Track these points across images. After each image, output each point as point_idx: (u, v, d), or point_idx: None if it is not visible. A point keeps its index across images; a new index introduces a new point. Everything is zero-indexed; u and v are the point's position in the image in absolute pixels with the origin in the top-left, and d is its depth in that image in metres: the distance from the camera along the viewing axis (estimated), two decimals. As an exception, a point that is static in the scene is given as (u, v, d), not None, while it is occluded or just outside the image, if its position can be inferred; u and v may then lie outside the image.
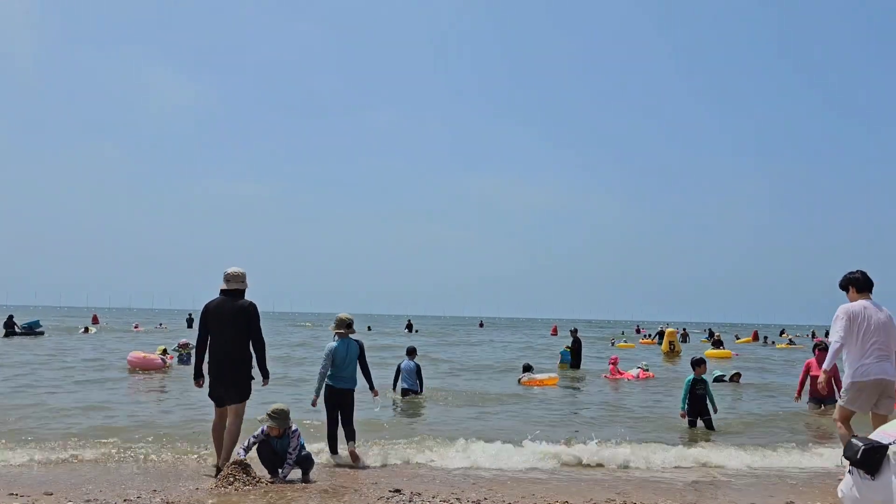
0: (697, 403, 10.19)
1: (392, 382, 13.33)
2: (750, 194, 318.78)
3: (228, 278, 6.75)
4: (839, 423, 6.51)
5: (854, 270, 6.58)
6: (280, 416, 6.61)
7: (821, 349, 11.54)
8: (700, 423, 10.19)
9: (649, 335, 49.10)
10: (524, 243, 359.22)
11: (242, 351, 6.64)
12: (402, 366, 13.35)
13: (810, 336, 61.01)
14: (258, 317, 6.74)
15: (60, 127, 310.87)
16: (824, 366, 6.61)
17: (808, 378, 11.27)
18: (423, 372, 13.68)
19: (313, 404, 7.63)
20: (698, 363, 10.39)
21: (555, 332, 58.69)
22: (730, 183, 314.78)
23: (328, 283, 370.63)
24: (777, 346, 43.40)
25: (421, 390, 13.37)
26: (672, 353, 30.33)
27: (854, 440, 5.02)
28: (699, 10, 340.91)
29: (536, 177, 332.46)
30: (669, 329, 33.20)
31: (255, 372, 6.85)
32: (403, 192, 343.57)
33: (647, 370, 19.03)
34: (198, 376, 6.82)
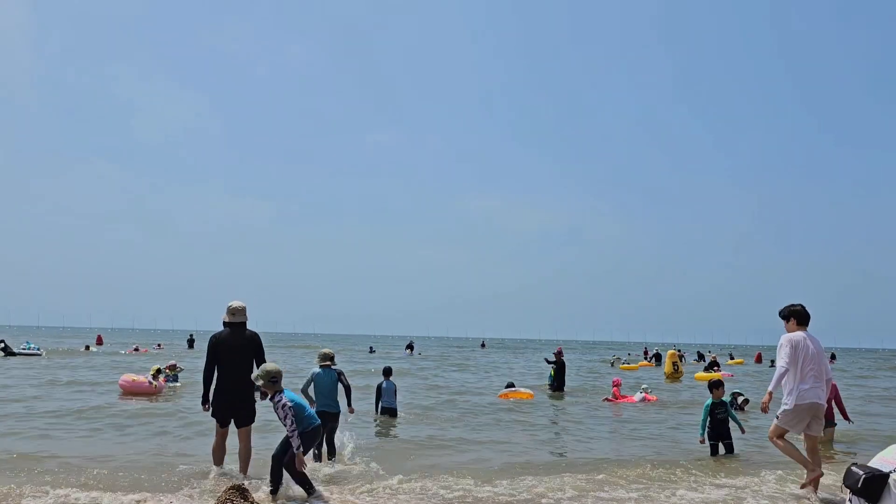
0: (718, 427, 9.85)
1: (374, 403, 13.62)
2: (752, 215, 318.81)
3: (233, 311, 7.46)
4: (775, 440, 7.27)
5: (796, 304, 7.32)
6: (262, 375, 6.66)
7: None
8: (721, 447, 9.85)
9: (649, 357, 48.70)
10: (526, 264, 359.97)
11: (250, 376, 7.29)
12: (383, 386, 13.71)
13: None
14: (262, 344, 7.52)
15: (59, 146, 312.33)
16: (770, 387, 7.12)
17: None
18: (421, 395, 13.76)
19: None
20: (717, 385, 10.02)
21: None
22: (729, 204, 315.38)
23: (330, 304, 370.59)
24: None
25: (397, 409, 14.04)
26: (675, 374, 29.93)
27: (854, 468, 5.14)
28: (700, 33, 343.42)
29: (537, 197, 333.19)
30: (671, 350, 32.83)
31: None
32: (403, 213, 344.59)
33: (650, 393, 18.82)
34: (205, 401, 7.46)
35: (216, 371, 7.37)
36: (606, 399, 18.58)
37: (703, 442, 9.88)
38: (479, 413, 15.17)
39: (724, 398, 10.07)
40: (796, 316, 7.25)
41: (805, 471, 7.29)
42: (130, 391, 17.11)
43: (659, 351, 48.82)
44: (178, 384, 18.99)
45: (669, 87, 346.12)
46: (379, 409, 13.51)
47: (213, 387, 7.41)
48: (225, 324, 7.50)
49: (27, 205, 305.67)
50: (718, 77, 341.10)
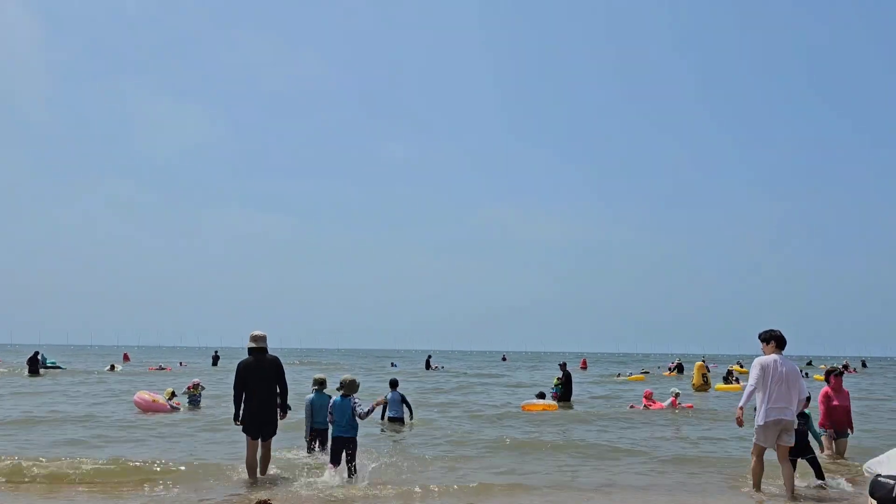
0: (799, 441, 8.44)
1: (381, 412, 14.37)
2: (781, 221, 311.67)
3: (256, 339, 8.59)
4: (753, 456, 8.12)
5: (775, 329, 8.05)
6: (345, 385, 8.63)
7: (836, 375, 11.27)
8: (801, 464, 8.73)
9: (670, 368, 48.05)
10: (546, 274, 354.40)
11: (275, 396, 8.55)
12: (389, 397, 14.50)
13: (843, 367, 59.28)
14: (283, 368, 8.67)
15: (73, 164, 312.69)
16: (740, 402, 7.93)
17: (828, 408, 10.97)
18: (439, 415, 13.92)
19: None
20: None
21: (584, 366, 57.82)
22: (757, 209, 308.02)
23: (349, 317, 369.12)
24: (815, 378, 42.05)
25: (412, 416, 14.95)
26: (704, 385, 29.30)
27: (882, 479, 5.13)
28: (722, 32, 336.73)
29: (555, 206, 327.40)
30: (699, 362, 32.13)
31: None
32: (419, 224, 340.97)
33: (678, 397, 18.45)
34: (237, 418, 8.56)
35: (244, 392, 8.49)
36: (633, 406, 18.54)
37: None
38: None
39: (804, 410, 8.76)
40: (776, 340, 7.99)
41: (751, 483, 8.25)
42: (146, 409, 17.05)
43: (681, 361, 48.22)
44: (199, 408, 17.85)
45: (692, 90, 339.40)
46: (385, 418, 14.52)
47: (242, 406, 8.50)
48: (249, 350, 8.58)
49: (50, 224, 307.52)
50: (742, 78, 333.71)
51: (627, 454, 11.39)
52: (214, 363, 50.10)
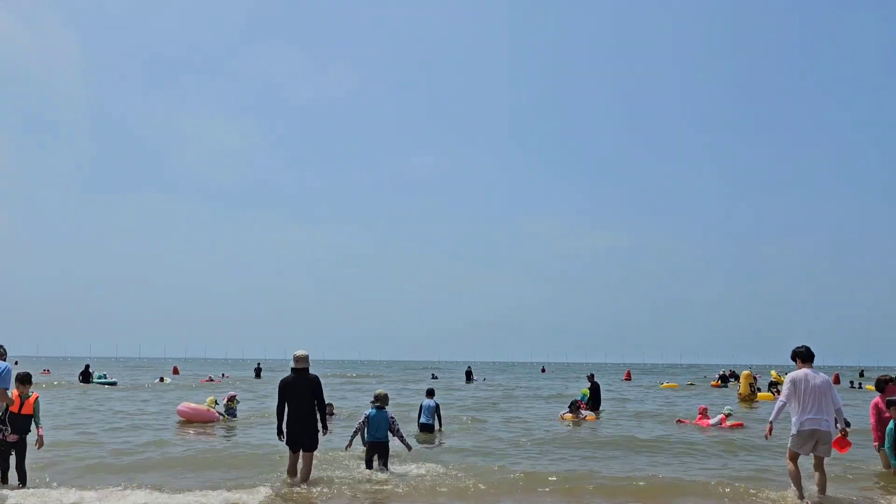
0: None
1: (416, 419, 15.29)
2: (823, 229, 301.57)
3: (298, 359, 9.25)
4: (788, 460, 8.52)
5: (800, 346, 8.62)
6: (380, 399, 10.21)
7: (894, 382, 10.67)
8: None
9: (718, 377, 46.91)
10: (584, 285, 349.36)
11: (314, 411, 9.16)
12: (423, 405, 15.38)
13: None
14: (321, 386, 9.25)
15: (114, 178, 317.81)
16: (771, 417, 8.38)
17: (878, 420, 10.38)
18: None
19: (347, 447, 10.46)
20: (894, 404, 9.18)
21: (628, 377, 56.91)
22: (799, 220, 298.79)
23: (387, 328, 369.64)
24: (866, 388, 40.59)
25: (441, 426, 15.43)
26: (751, 396, 28.44)
27: None
28: (762, 39, 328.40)
29: (590, 218, 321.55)
30: (746, 371, 31.23)
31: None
32: (453, 237, 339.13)
33: (729, 415, 17.71)
34: (279, 432, 9.18)
35: (286, 408, 9.13)
36: (680, 420, 18.27)
37: None
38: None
39: None
40: (800, 356, 8.61)
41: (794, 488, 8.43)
42: (190, 418, 17.46)
43: (725, 372, 47.16)
44: (235, 419, 18.10)
45: (727, 98, 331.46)
46: (418, 426, 15.10)
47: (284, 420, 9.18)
48: (292, 369, 9.24)
49: (95, 238, 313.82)
50: (783, 86, 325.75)
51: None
52: (257, 375, 50.40)
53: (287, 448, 9.35)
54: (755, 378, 30.93)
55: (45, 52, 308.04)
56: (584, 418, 18.54)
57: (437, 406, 15.46)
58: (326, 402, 10.88)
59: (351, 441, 10.24)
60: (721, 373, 46.65)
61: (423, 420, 15.10)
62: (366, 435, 10.20)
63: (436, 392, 16.58)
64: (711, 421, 17.44)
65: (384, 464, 10.11)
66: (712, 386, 43.18)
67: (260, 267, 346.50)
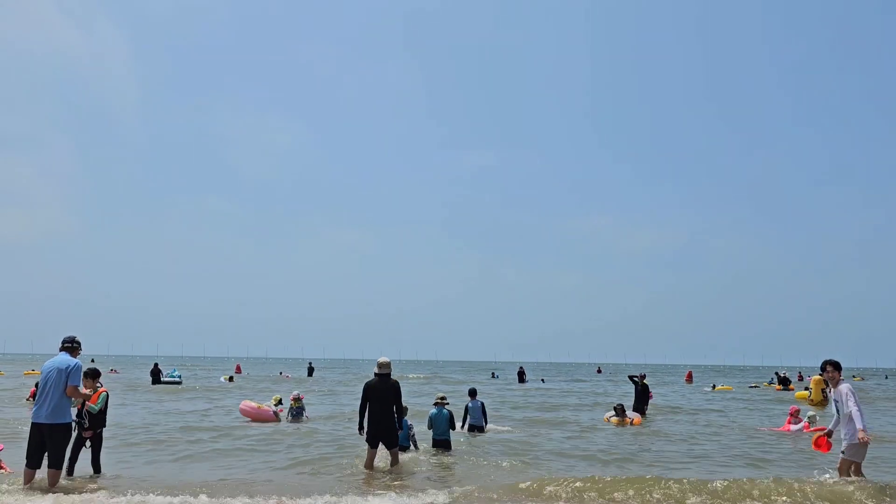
0: None
1: (461, 420, 15.13)
2: (879, 226, 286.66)
3: (382, 366, 10.38)
4: (842, 473, 8.72)
5: (833, 360, 8.92)
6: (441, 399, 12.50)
7: None
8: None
9: (778, 380, 45.76)
10: (639, 284, 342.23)
11: (392, 413, 10.20)
12: (469, 406, 15.58)
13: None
14: (400, 390, 10.36)
15: (166, 181, 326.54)
16: (860, 424, 8.36)
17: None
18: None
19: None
20: None
21: (689, 379, 55.77)
22: (855, 215, 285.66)
23: (443, 330, 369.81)
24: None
25: (486, 424, 15.70)
26: (824, 402, 26.84)
27: None
28: (811, 31, 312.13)
29: (646, 216, 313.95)
30: (816, 377, 29.99)
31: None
32: (508, 237, 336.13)
33: (812, 421, 16.91)
34: (360, 429, 10.28)
35: (368, 408, 10.21)
36: (766, 428, 17.54)
37: None
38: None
39: None
40: (839, 368, 8.96)
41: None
42: (252, 417, 17.97)
43: (786, 374, 45.95)
44: (303, 418, 18.07)
45: (784, 89, 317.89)
46: (466, 427, 15.21)
47: (365, 419, 10.21)
48: (375, 373, 10.39)
49: (156, 241, 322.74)
50: (838, 78, 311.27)
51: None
52: (310, 374, 51.26)
53: (367, 444, 10.35)
54: (827, 383, 29.82)
55: (97, 53, 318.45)
56: (631, 421, 18.18)
57: (483, 406, 15.76)
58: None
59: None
60: (781, 374, 45.47)
61: (472, 421, 15.34)
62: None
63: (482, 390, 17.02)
64: (794, 427, 16.66)
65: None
66: (775, 389, 42.19)
67: (311, 268, 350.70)
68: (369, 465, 10.31)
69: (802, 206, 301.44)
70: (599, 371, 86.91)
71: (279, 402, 18.91)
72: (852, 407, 8.40)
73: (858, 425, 8.30)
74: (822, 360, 9.01)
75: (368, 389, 10.31)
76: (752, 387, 46.46)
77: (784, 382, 43.20)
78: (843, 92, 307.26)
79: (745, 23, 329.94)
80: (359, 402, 10.48)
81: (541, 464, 11.54)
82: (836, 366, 8.92)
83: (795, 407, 17.81)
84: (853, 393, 8.55)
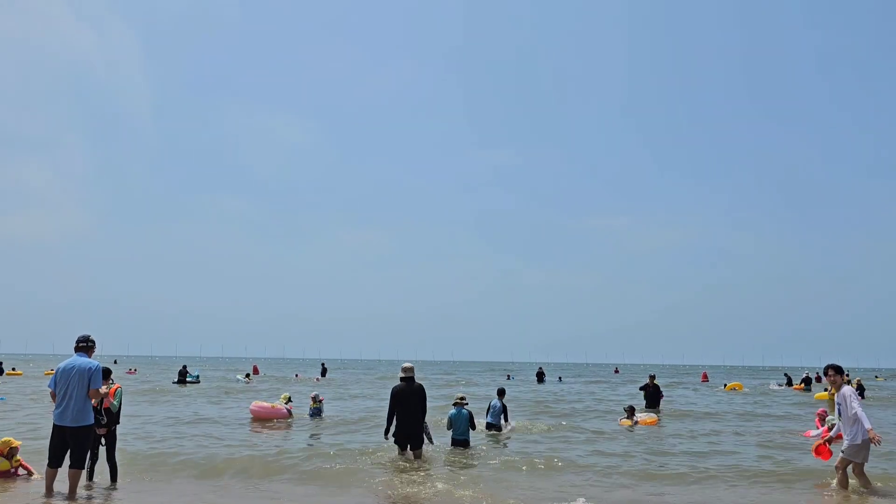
0: None
1: (485, 413, 15.98)
2: None
3: (406, 370, 10.81)
4: (841, 471, 9.02)
5: (834, 364, 9.30)
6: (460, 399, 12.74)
7: None
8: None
9: (801, 381, 45.21)
10: (664, 286, 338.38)
11: (419, 415, 10.64)
12: (492, 404, 16.14)
13: None
14: (425, 394, 10.85)
15: (180, 182, 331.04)
16: (867, 424, 8.61)
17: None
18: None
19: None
20: None
21: (705, 379, 55.56)
22: (885, 211, 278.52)
23: (460, 330, 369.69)
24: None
25: (506, 423, 16.08)
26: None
27: None
28: (849, 11, 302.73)
29: (670, 214, 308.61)
30: (858, 378, 29.36)
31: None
32: (526, 236, 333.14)
33: (833, 426, 15.96)
34: (387, 433, 10.79)
35: (395, 412, 10.59)
36: (807, 433, 16.25)
37: None
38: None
39: None
40: (841, 372, 9.35)
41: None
42: (263, 416, 18.12)
43: (809, 374, 45.38)
44: (321, 418, 18.33)
45: (819, 71, 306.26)
46: (485, 425, 15.71)
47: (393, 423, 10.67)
48: (401, 378, 10.74)
49: (170, 243, 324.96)
50: (877, 60, 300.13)
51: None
52: (323, 374, 51.08)
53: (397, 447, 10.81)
54: (862, 386, 29.35)
55: (110, 54, 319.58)
56: (635, 422, 18.03)
57: (505, 406, 16.21)
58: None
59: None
60: (805, 375, 44.90)
61: (490, 420, 15.86)
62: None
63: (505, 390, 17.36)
64: (813, 433, 15.68)
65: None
66: (795, 389, 41.75)
67: (323, 268, 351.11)
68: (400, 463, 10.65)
69: (842, 200, 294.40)
70: (617, 371, 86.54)
71: (289, 399, 19.19)
72: (857, 408, 8.68)
73: (867, 425, 8.57)
74: (825, 365, 9.39)
75: (397, 394, 10.64)
76: (778, 385, 45.95)
77: (807, 383, 42.69)
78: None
79: (786, 7, 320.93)
80: (384, 406, 11.17)
81: (555, 473, 11.41)
82: (838, 370, 9.31)
83: (824, 410, 17.00)
84: (855, 395, 8.88)
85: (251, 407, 18.84)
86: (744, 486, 9.90)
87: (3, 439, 9.65)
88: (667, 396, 28.27)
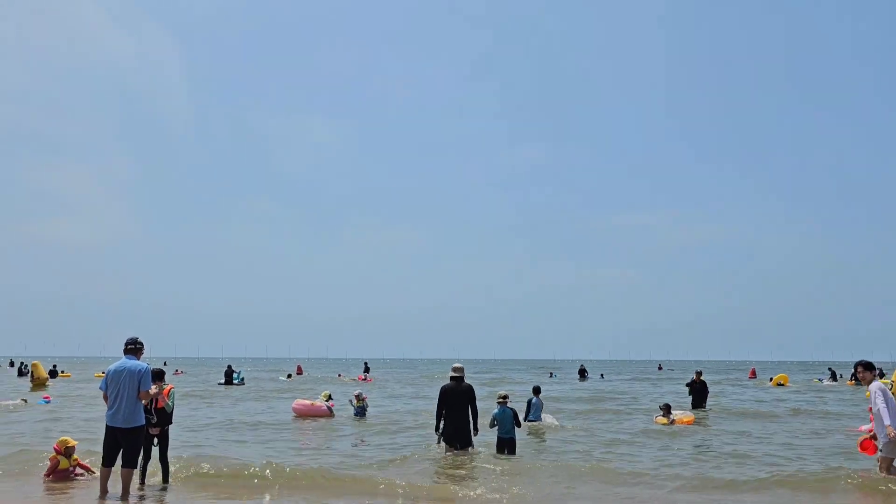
0: None
1: (524, 414, 15.96)
2: None
3: (456, 370, 11.00)
4: (885, 471, 8.88)
5: (864, 360, 9.32)
6: (503, 398, 12.02)
7: None
8: None
9: (852, 376, 44.14)
10: (703, 284, 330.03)
11: (468, 415, 10.74)
12: (532, 402, 16.65)
13: None
14: (474, 393, 10.89)
15: (219, 185, 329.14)
16: (888, 421, 8.61)
17: None
18: None
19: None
20: None
21: (753, 375, 54.62)
22: None
23: (498, 327, 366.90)
24: None
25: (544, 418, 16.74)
26: None
27: None
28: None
29: (707, 210, 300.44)
30: None
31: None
32: (559, 233, 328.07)
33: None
34: (437, 429, 10.96)
35: (444, 411, 10.75)
36: (862, 428, 15.25)
37: None
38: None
39: None
40: (871, 368, 9.33)
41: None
42: (305, 414, 18.55)
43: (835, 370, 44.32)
44: (365, 418, 18.27)
45: (863, 61, 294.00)
46: (526, 421, 16.04)
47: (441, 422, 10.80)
48: (451, 377, 10.91)
49: (210, 245, 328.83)
50: None
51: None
52: (366, 373, 50.94)
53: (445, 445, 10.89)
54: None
55: (147, 58, 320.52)
56: (672, 421, 17.45)
57: (542, 404, 17.00)
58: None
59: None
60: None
61: (532, 418, 16.42)
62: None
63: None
64: (864, 427, 14.69)
65: (512, 454, 11.59)
66: (848, 385, 40.77)
67: (359, 267, 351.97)
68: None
69: (892, 192, 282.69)
70: (660, 368, 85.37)
71: (329, 397, 19.52)
72: (880, 405, 8.70)
73: (886, 421, 8.59)
74: (855, 362, 9.47)
75: (445, 394, 10.80)
76: (827, 380, 44.92)
77: (833, 377, 41.87)
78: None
79: None
80: (435, 405, 10.92)
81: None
82: (868, 366, 9.30)
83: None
84: (882, 391, 8.82)
85: (293, 405, 19.22)
86: (805, 494, 9.26)
87: (60, 438, 9.98)
88: (714, 393, 27.82)
